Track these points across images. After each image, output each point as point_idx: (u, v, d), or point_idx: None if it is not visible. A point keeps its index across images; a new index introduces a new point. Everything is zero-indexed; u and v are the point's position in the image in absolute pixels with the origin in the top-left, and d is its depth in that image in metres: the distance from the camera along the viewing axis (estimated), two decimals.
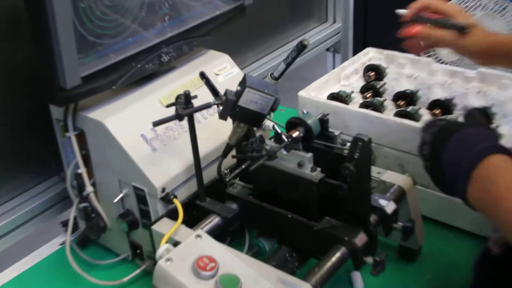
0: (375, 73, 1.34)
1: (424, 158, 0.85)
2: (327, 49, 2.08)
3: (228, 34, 1.22)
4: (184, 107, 0.91)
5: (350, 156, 0.84)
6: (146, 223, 0.99)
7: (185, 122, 0.97)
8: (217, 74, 1.14)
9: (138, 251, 1.05)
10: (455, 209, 1.08)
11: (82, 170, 1.01)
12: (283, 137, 0.88)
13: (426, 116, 1.20)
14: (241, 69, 1.24)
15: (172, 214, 0.96)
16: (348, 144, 0.87)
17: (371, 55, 1.41)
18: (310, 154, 0.87)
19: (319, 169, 0.88)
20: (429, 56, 1.56)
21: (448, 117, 1.15)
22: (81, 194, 1.03)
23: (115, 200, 1.00)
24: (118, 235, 1.06)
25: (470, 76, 1.27)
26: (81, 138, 1.01)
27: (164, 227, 0.93)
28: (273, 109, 0.90)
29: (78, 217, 1.12)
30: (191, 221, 0.95)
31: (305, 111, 0.91)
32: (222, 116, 0.91)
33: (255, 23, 1.70)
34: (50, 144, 1.12)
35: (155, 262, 0.82)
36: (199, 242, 0.82)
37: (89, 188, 1.02)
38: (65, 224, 1.18)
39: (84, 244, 1.13)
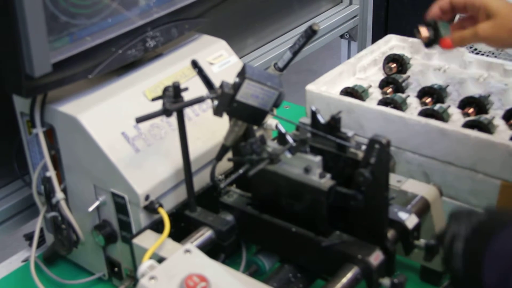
0: (397, 64, 1.37)
1: (453, 256, 0.77)
2: (341, 36, 2.11)
3: (225, 16, 1.25)
4: (173, 101, 0.94)
5: (366, 160, 0.87)
6: (126, 236, 1.02)
7: (173, 119, 1.00)
8: (211, 63, 1.16)
9: (115, 269, 1.08)
10: None
11: (51, 173, 1.04)
12: (288, 137, 0.91)
13: (456, 116, 1.23)
14: (240, 57, 1.26)
15: (156, 226, 0.99)
16: (364, 147, 0.89)
17: (393, 43, 1.44)
18: (318, 158, 0.90)
19: (328, 175, 0.90)
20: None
21: (482, 117, 1.17)
22: (50, 201, 1.06)
23: (90, 209, 1.02)
24: (93, 250, 1.09)
25: (510, 69, 1.30)
26: (50, 135, 1.04)
27: (147, 241, 0.95)
28: (276, 104, 0.93)
29: (45, 229, 1.14)
30: (179, 235, 0.98)
31: (314, 108, 0.94)
32: (217, 112, 0.93)
33: (257, 3, 1.73)
34: (12, 142, 1.15)
35: (135, 281, 0.85)
36: (188, 258, 0.85)
37: (59, 195, 1.05)
38: (29, 237, 1.21)
39: (52, 260, 1.15)
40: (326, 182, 0.90)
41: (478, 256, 0.73)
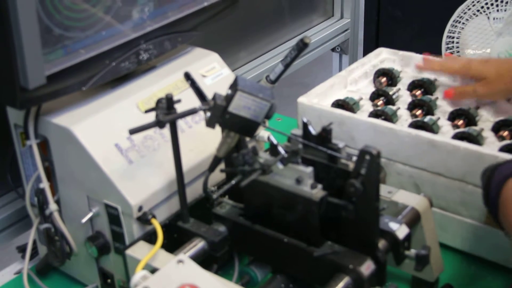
0: (387, 79, 1.38)
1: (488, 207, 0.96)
2: (333, 49, 2.13)
3: (217, 30, 1.26)
4: (166, 112, 0.95)
5: (356, 171, 0.88)
6: (119, 248, 1.02)
7: (166, 131, 1.01)
8: (204, 76, 1.18)
9: (108, 280, 1.08)
10: (479, 236, 1.12)
11: (45, 184, 1.04)
12: (280, 148, 0.92)
13: (446, 128, 1.24)
14: (232, 71, 1.28)
15: (149, 237, 0.99)
16: (354, 158, 0.90)
17: (383, 56, 1.46)
18: (310, 169, 0.91)
19: (320, 186, 0.91)
20: None
21: (472, 129, 1.19)
22: (43, 213, 1.07)
23: (84, 220, 1.03)
24: (85, 262, 1.09)
25: None
26: (44, 147, 1.05)
27: (140, 251, 0.96)
28: (268, 116, 0.94)
29: (38, 240, 1.15)
30: (172, 246, 0.98)
31: (305, 120, 0.95)
32: (210, 123, 0.94)
33: (249, 17, 1.75)
34: (6, 155, 1.15)
35: None
36: (181, 269, 0.85)
37: (52, 206, 1.05)
38: (22, 249, 1.21)
39: (45, 272, 1.16)
40: (318, 192, 0.91)
41: (488, 179, 0.94)
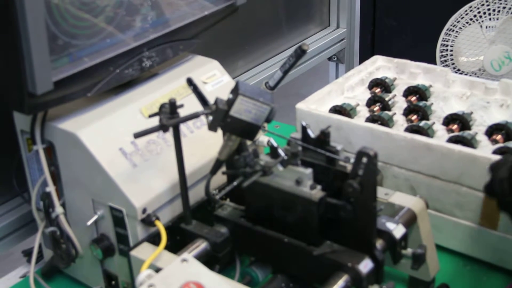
0: (381, 89, 1.41)
1: (504, 194, 0.95)
2: (329, 59, 2.16)
3: (216, 39, 1.28)
4: (169, 117, 0.97)
5: (354, 172, 0.91)
6: (123, 249, 1.05)
7: (169, 136, 1.03)
8: (205, 83, 1.21)
9: (113, 282, 1.10)
10: (474, 237, 1.14)
11: (51, 188, 1.07)
12: (280, 151, 0.95)
13: (441, 132, 1.27)
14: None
15: (153, 239, 1.02)
16: (352, 160, 0.93)
17: (379, 63, 1.49)
18: (309, 170, 0.94)
19: (319, 186, 0.94)
20: (446, 66, 1.65)
21: (466, 133, 1.22)
22: (49, 216, 1.09)
23: (89, 223, 1.05)
24: (90, 264, 1.12)
25: (491, 88, 1.35)
26: (50, 152, 1.07)
27: (145, 253, 0.98)
28: (268, 120, 0.97)
29: (43, 244, 1.17)
30: (174, 248, 1.01)
31: (304, 123, 0.98)
32: (212, 127, 0.97)
33: (247, 27, 1.78)
34: (12, 161, 1.18)
35: None
36: (185, 267, 0.88)
37: (58, 209, 1.08)
38: (27, 253, 1.23)
39: (50, 275, 1.18)
40: (317, 193, 0.94)
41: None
